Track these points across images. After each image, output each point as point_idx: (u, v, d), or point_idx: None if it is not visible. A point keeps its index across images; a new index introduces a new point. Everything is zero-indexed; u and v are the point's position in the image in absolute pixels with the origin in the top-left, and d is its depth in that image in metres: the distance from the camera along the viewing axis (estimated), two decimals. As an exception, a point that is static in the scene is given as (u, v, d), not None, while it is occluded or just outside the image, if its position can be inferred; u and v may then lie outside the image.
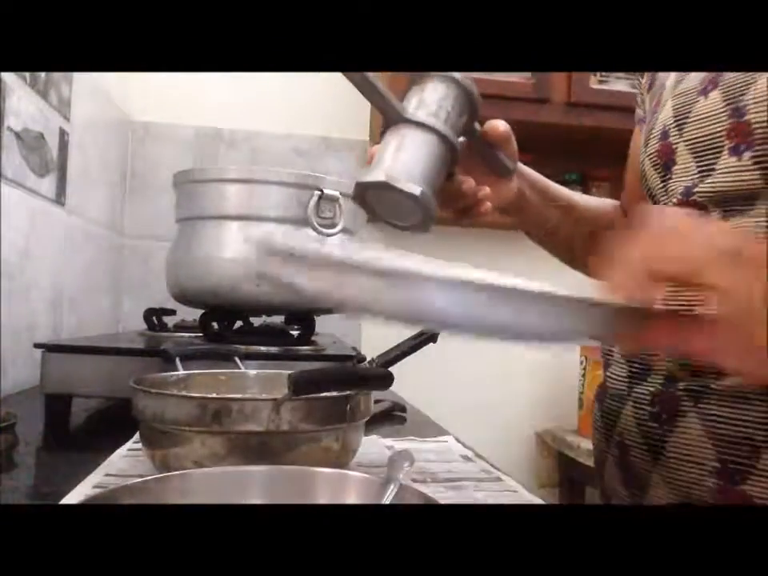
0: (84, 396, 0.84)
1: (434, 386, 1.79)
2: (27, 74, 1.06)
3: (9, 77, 0.99)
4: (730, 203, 0.55)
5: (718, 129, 0.56)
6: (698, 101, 0.57)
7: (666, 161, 0.62)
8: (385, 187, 0.51)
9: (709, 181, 0.57)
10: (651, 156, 0.64)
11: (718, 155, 0.56)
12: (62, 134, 1.23)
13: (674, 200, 0.60)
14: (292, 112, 1.84)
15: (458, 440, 0.79)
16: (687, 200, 0.58)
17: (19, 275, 1.06)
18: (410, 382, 0.97)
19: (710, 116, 0.56)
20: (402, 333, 0.62)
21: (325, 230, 0.99)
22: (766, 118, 0.51)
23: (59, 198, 1.24)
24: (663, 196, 0.63)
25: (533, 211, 0.71)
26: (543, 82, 1.65)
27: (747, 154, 0.54)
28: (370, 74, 0.51)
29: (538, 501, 0.55)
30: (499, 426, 1.89)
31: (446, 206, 0.62)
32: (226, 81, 1.78)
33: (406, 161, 0.51)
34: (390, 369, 0.57)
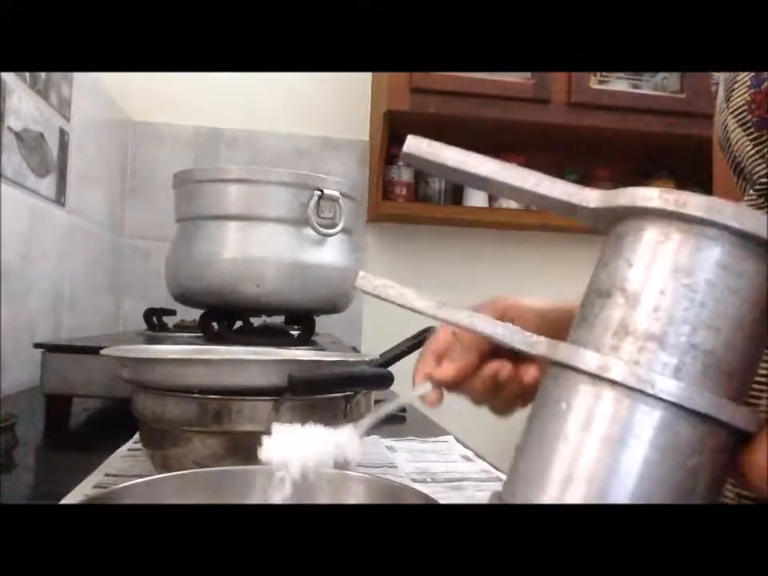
0: (84, 396, 0.84)
1: (434, 386, 1.78)
2: (27, 74, 1.06)
3: (9, 77, 0.99)
4: None
5: None
6: None
7: (762, 114, 0.46)
8: None
9: None
10: (738, 111, 0.48)
11: None
12: (62, 133, 1.23)
13: None
14: (292, 112, 1.84)
15: (458, 440, 0.79)
16: None
17: (19, 275, 1.06)
18: (409, 382, 0.96)
19: None
20: (402, 333, 0.62)
21: (325, 230, 0.99)
22: None
23: (59, 198, 1.24)
24: (758, 164, 0.47)
25: None
26: (543, 82, 1.65)
27: None
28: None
29: (538, 501, 0.55)
30: (499, 425, 1.88)
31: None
32: (226, 81, 1.78)
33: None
34: (389, 369, 0.57)
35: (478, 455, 0.72)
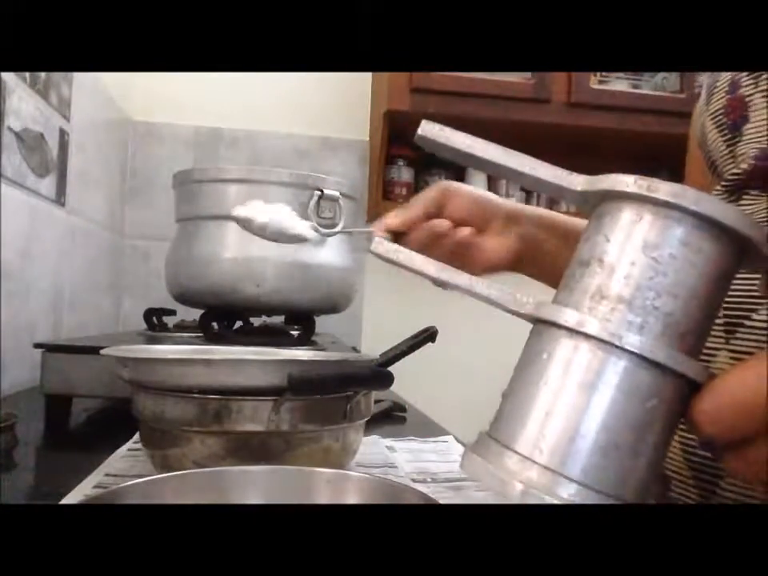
0: (84, 396, 0.84)
1: (433, 386, 1.79)
2: (27, 74, 1.06)
3: (9, 77, 0.99)
4: None
5: None
6: None
7: (735, 118, 0.50)
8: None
9: None
10: (715, 114, 0.52)
11: None
12: (62, 134, 1.23)
13: (744, 166, 0.48)
14: (292, 112, 1.84)
15: (458, 440, 0.79)
16: (762, 165, 0.47)
17: (19, 275, 1.06)
18: (409, 381, 0.97)
19: None
20: (402, 333, 0.62)
21: (325, 230, 0.99)
22: None
23: (59, 198, 1.24)
24: (729, 163, 0.51)
25: (548, 258, 0.62)
26: (543, 82, 1.65)
27: None
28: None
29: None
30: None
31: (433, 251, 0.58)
32: (226, 81, 1.78)
33: (580, 436, 0.29)
34: (389, 369, 0.57)
35: (477, 455, 0.72)
